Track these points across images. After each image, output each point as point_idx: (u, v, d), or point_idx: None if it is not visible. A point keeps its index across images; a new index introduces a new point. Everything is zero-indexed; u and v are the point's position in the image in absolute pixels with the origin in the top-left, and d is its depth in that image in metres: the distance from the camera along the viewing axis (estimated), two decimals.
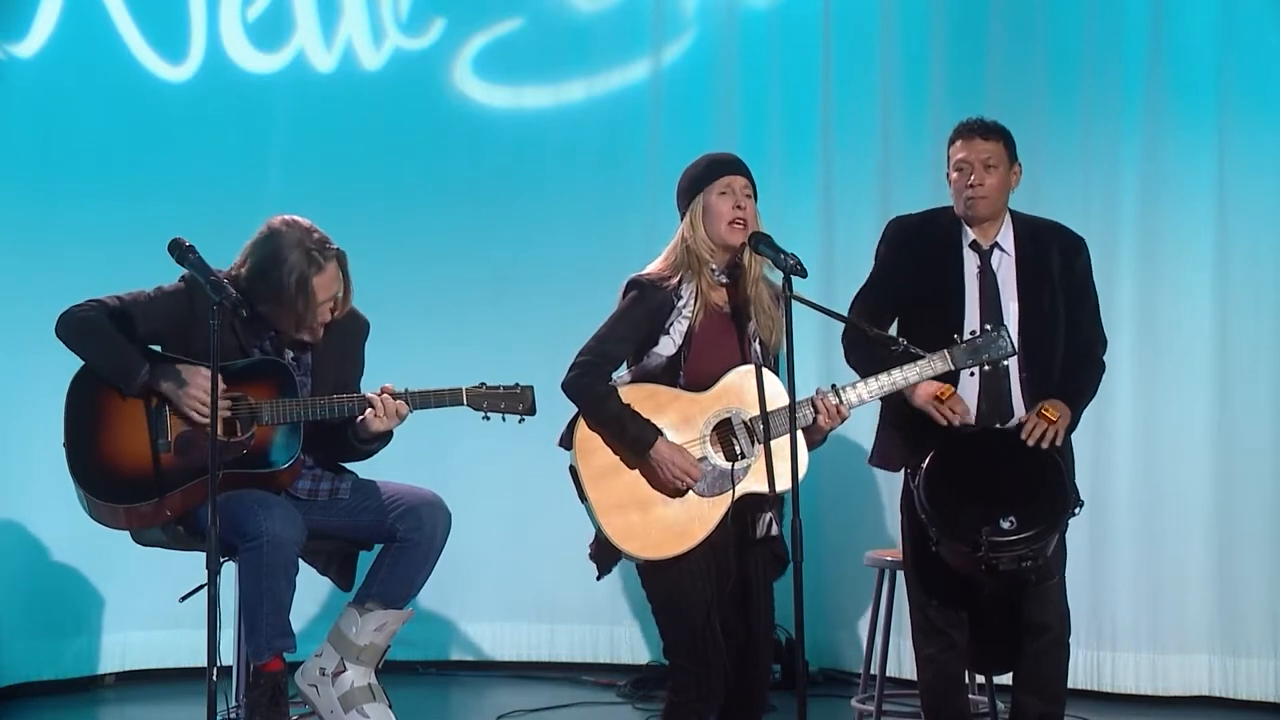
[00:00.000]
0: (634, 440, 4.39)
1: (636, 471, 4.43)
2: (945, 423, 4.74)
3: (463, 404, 4.64)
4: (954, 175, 4.92)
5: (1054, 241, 4.96)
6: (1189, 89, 6.35)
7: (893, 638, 5.74)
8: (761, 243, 4.43)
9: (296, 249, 4.60)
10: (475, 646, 6.98)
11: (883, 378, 4.55)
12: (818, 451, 4.55)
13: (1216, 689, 6.29)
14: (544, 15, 7.01)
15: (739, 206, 4.49)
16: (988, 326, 4.68)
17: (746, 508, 4.48)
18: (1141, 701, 6.32)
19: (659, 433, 4.39)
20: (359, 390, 4.76)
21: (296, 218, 4.68)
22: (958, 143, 4.93)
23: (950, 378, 4.72)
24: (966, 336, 4.62)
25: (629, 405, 4.42)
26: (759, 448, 4.42)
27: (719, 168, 4.56)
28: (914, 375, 4.56)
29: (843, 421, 4.51)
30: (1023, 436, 4.74)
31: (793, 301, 4.39)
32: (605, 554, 4.50)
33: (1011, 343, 4.60)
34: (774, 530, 4.51)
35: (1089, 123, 6.45)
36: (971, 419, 4.81)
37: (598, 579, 4.58)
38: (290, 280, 4.58)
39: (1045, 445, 4.73)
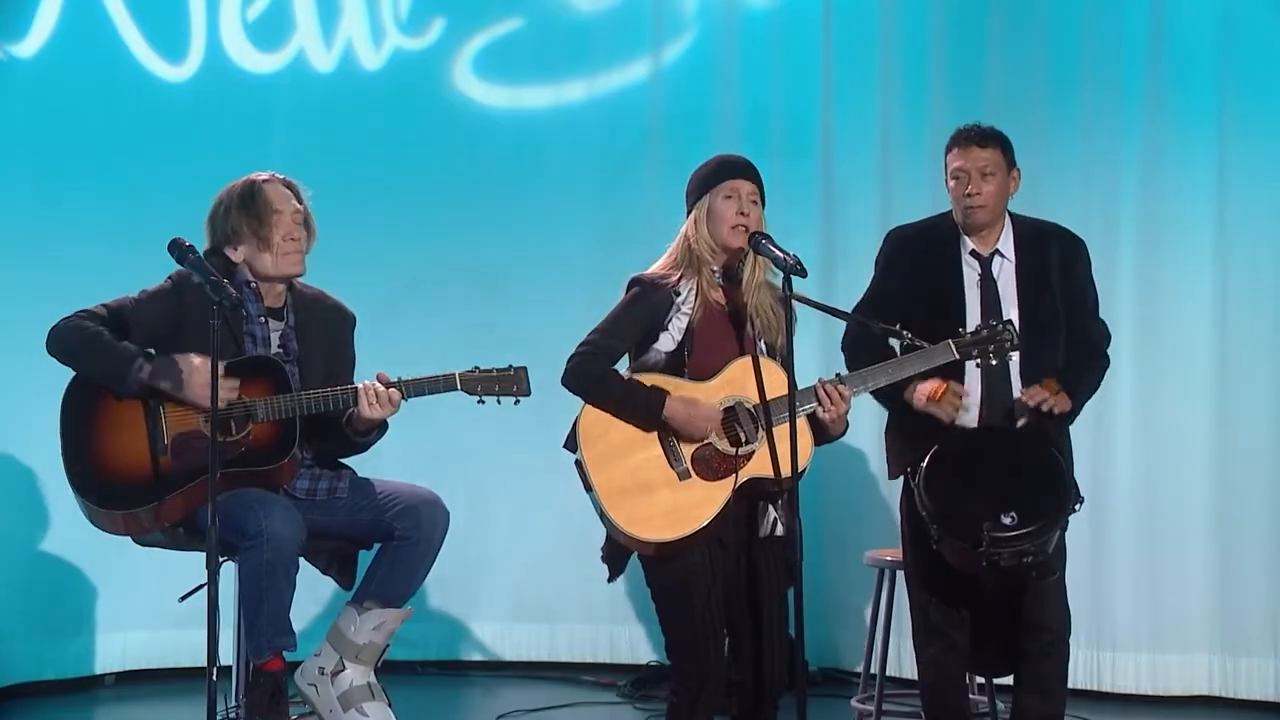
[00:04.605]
0: (645, 406, 4.39)
1: (640, 456, 4.42)
2: (947, 420, 4.73)
3: (456, 389, 4.62)
4: (951, 184, 4.90)
5: (1054, 245, 4.94)
6: (1189, 89, 6.35)
7: (893, 638, 5.74)
8: (761, 241, 4.43)
9: (241, 179, 4.72)
10: (475, 646, 6.97)
11: (889, 366, 4.54)
12: (820, 452, 4.52)
13: (1216, 689, 6.29)
14: (544, 15, 7.01)
15: (743, 213, 4.49)
16: (993, 322, 4.65)
17: (752, 501, 4.47)
18: (1141, 701, 6.33)
19: (667, 393, 4.39)
20: (351, 384, 4.74)
21: None
22: (954, 151, 4.90)
23: (954, 371, 4.71)
24: (972, 330, 4.63)
25: (632, 378, 4.43)
26: (763, 434, 4.41)
27: (726, 170, 4.55)
28: (920, 364, 4.56)
29: (846, 408, 4.47)
30: (1023, 398, 4.72)
31: (794, 302, 4.39)
32: (617, 555, 4.50)
33: (1016, 336, 4.59)
34: (779, 530, 4.47)
35: (1089, 123, 6.45)
36: (971, 405, 4.79)
37: (609, 580, 4.56)
38: (237, 195, 4.66)
39: (1045, 410, 4.70)
